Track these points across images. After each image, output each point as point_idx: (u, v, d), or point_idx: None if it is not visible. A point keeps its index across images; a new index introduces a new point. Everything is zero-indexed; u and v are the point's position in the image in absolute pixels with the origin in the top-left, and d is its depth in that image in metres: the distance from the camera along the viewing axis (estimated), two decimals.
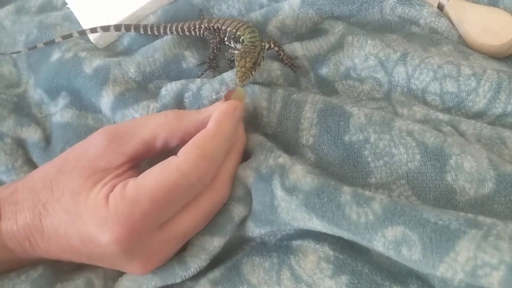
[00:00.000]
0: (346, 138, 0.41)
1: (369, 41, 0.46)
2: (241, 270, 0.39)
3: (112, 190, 0.35)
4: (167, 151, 0.40)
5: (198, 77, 0.49)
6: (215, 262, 0.40)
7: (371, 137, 0.40)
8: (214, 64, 0.49)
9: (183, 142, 0.38)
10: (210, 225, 0.40)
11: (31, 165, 0.48)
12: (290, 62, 0.47)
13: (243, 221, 0.40)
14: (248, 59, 0.41)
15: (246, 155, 0.43)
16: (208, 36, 0.49)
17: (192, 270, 0.39)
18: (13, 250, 0.37)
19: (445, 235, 0.32)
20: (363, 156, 0.40)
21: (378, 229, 0.34)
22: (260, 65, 0.43)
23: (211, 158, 0.37)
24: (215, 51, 0.49)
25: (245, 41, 0.44)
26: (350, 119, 0.41)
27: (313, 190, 0.36)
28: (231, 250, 0.41)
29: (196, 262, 0.39)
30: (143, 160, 0.40)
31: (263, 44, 0.45)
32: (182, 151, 0.36)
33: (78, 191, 0.35)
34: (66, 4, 0.56)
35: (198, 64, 0.50)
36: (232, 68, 0.47)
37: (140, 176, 0.36)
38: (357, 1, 0.49)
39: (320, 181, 0.37)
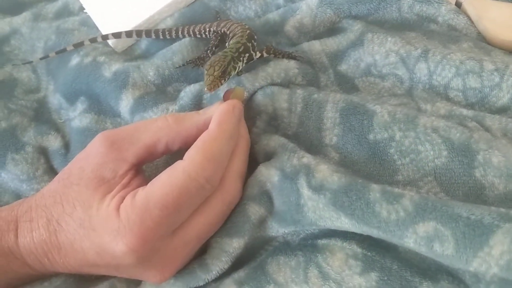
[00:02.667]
0: (371, 136, 0.40)
1: (389, 38, 0.46)
2: (266, 269, 0.39)
3: (122, 201, 0.35)
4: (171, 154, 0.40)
5: (176, 67, 0.49)
6: (238, 263, 0.40)
7: (396, 135, 0.40)
8: (199, 62, 0.49)
9: (185, 145, 0.39)
10: (228, 226, 0.40)
11: (52, 173, 0.48)
12: (290, 56, 0.47)
13: (263, 222, 0.40)
14: (216, 68, 0.41)
15: (268, 156, 0.42)
16: (213, 37, 0.49)
17: (214, 272, 0.39)
18: (33, 266, 0.38)
19: (478, 229, 0.32)
20: (388, 154, 0.40)
21: (409, 225, 0.33)
22: (230, 75, 0.42)
23: (216, 158, 0.37)
24: (208, 52, 0.49)
25: (225, 49, 0.44)
26: (374, 117, 0.41)
27: (341, 189, 0.36)
28: (253, 251, 0.41)
29: (217, 264, 0.39)
30: (145, 164, 0.40)
31: (247, 54, 0.44)
32: (187, 155, 0.36)
33: (89, 204, 0.36)
34: (83, 9, 0.56)
35: (185, 62, 0.50)
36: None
37: (149, 184, 0.36)
38: None
39: (348, 179, 0.37)
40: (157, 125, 0.38)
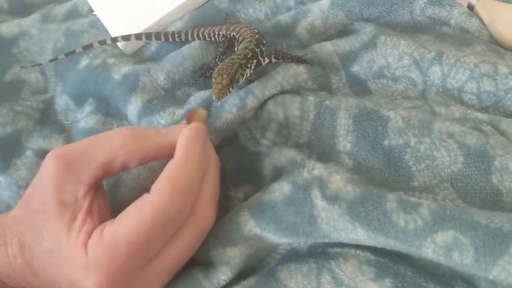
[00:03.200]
0: (385, 143, 0.40)
1: (402, 41, 0.46)
2: (277, 276, 0.38)
3: (89, 237, 0.34)
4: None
5: (191, 85, 0.49)
6: (248, 271, 0.40)
7: (411, 141, 0.39)
8: (209, 73, 0.48)
9: (141, 163, 0.38)
10: (222, 235, 0.39)
11: None
12: (300, 60, 0.46)
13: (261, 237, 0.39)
14: (224, 76, 0.40)
15: (277, 171, 0.42)
16: (221, 44, 0.49)
17: (215, 282, 0.38)
18: (12, 286, 0.37)
19: (498, 237, 0.32)
20: (404, 160, 0.39)
21: (427, 234, 0.33)
22: (238, 82, 0.42)
23: (186, 187, 0.35)
24: (217, 60, 0.48)
25: (233, 55, 0.43)
26: (388, 123, 0.40)
27: (357, 199, 0.36)
28: (259, 259, 0.40)
29: (218, 275, 0.38)
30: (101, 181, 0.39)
31: (255, 60, 0.44)
32: (155, 188, 0.35)
33: (56, 234, 0.35)
34: (93, 11, 0.56)
35: (194, 70, 0.50)
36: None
37: (117, 219, 0.34)
38: (387, 2, 0.49)
39: (363, 189, 0.36)
40: (113, 142, 0.36)
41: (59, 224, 0.35)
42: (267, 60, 0.45)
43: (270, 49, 0.47)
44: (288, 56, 0.46)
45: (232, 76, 0.41)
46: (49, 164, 0.36)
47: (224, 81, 0.40)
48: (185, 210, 0.36)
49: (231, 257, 0.38)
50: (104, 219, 0.36)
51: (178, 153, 0.36)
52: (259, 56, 0.45)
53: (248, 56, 0.43)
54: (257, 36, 0.45)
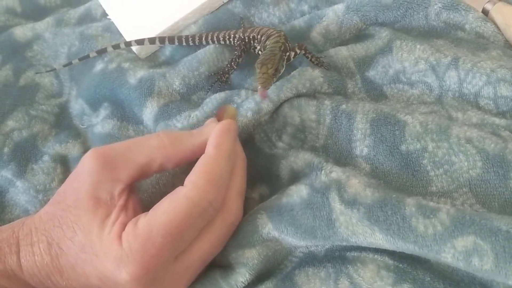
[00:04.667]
0: (403, 147, 0.40)
1: (418, 46, 0.46)
2: (295, 280, 0.38)
3: (123, 229, 0.35)
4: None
5: (207, 91, 0.49)
6: (265, 275, 0.40)
7: (428, 146, 0.39)
8: (225, 78, 0.49)
9: (178, 165, 0.39)
10: (240, 238, 0.39)
11: None
12: (318, 61, 0.46)
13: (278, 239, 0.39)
14: (269, 65, 0.41)
15: (293, 174, 0.42)
16: (237, 47, 0.49)
17: (233, 284, 0.38)
18: (35, 287, 0.37)
19: None
20: (421, 165, 0.39)
21: (447, 240, 0.33)
22: (280, 73, 0.43)
23: (218, 180, 0.36)
24: (233, 64, 0.48)
25: (265, 49, 0.44)
26: (405, 128, 0.40)
27: (376, 203, 0.36)
28: (276, 262, 0.40)
29: (236, 277, 0.38)
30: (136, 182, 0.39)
31: (287, 53, 0.45)
32: (188, 180, 0.36)
33: (89, 228, 0.35)
34: (106, 15, 0.56)
35: (210, 75, 0.50)
36: None
37: (151, 211, 0.35)
38: (402, 7, 0.49)
39: (381, 193, 0.36)
40: (151, 145, 0.38)
41: (92, 219, 0.35)
42: (293, 53, 0.46)
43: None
44: (309, 52, 0.46)
45: (276, 66, 0.41)
46: (87, 161, 0.37)
47: (269, 71, 0.41)
48: (217, 202, 0.37)
49: (249, 258, 0.38)
50: (137, 215, 0.36)
51: (210, 148, 0.37)
52: (289, 50, 0.45)
53: (282, 49, 0.44)
54: (282, 32, 0.46)
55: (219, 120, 0.41)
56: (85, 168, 0.37)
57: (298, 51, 0.46)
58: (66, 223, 0.36)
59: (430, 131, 0.39)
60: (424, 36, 0.49)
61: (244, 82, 0.50)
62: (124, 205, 0.36)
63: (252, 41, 0.48)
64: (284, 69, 0.44)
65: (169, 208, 0.35)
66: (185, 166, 0.41)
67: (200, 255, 0.37)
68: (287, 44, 0.45)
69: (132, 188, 0.39)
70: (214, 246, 0.38)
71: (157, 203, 0.36)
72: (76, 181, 0.37)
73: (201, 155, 0.38)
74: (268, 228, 0.38)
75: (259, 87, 0.40)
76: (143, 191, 0.43)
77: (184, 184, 0.36)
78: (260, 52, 0.48)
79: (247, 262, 0.38)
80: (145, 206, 0.39)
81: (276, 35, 0.46)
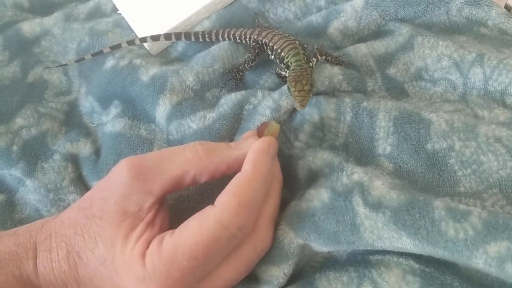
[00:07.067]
0: (429, 146, 0.39)
1: (440, 42, 0.44)
2: (316, 285, 0.37)
3: (147, 246, 0.33)
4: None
5: (221, 89, 0.48)
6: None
7: (455, 145, 0.38)
8: (239, 76, 0.48)
9: (212, 178, 0.37)
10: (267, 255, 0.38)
11: (79, 182, 0.47)
12: (337, 61, 0.45)
13: (303, 246, 0.38)
14: (304, 82, 0.40)
15: (311, 174, 0.41)
16: (251, 49, 0.47)
17: None
18: None
19: None
20: (448, 164, 0.38)
21: (479, 245, 0.31)
22: (315, 87, 0.42)
23: (250, 204, 0.34)
24: (246, 65, 0.47)
25: (292, 66, 0.43)
26: (431, 126, 0.39)
27: (402, 206, 0.34)
28: (297, 268, 0.39)
29: None
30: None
31: (311, 63, 0.43)
32: (220, 201, 0.34)
33: (112, 242, 0.34)
34: (116, 10, 0.55)
35: (224, 72, 0.49)
36: (284, 82, 0.46)
37: (177, 230, 0.34)
38: (422, 2, 0.47)
39: (407, 196, 0.35)
40: (185, 156, 0.36)
41: (116, 233, 0.34)
42: (314, 60, 0.44)
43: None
44: (329, 54, 0.45)
45: (311, 82, 0.40)
46: (121, 171, 0.35)
47: (305, 87, 0.39)
48: (247, 228, 0.35)
49: (274, 277, 0.37)
50: (164, 231, 0.35)
51: (247, 167, 0.35)
52: (310, 59, 0.44)
53: (306, 61, 0.43)
54: (297, 42, 0.44)
55: (259, 135, 0.39)
56: (117, 178, 0.35)
57: (319, 57, 0.45)
58: (89, 233, 0.34)
59: (457, 129, 0.38)
60: (445, 33, 0.47)
61: (259, 79, 0.48)
62: (151, 220, 0.35)
63: (265, 46, 0.47)
64: (315, 82, 0.43)
65: (197, 230, 0.33)
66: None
67: (224, 280, 0.35)
68: (306, 53, 0.44)
69: (162, 201, 0.37)
70: (240, 272, 0.36)
71: (185, 222, 0.34)
72: (106, 190, 0.36)
73: (236, 170, 0.36)
74: (290, 237, 0.37)
75: (297, 105, 0.39)
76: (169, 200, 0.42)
77: (214, 204, 0.34)
78: (273, 59, 0.47)
79: (272, 280, 0.37)
80: (170, 219, 0.37)
81: (291, 46, 0.44)
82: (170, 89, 0.47)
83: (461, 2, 0.47)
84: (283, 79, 0.46)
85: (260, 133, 0.40)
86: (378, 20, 0.48)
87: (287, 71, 0.43)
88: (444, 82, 0.44)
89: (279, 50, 0.45)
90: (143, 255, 0.33)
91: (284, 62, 0.44)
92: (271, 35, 0.46)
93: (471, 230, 0.32)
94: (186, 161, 0.36)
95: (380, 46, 0.46)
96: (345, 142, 0.42)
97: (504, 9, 0.48)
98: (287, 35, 0.46)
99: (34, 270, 0.35)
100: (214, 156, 0.36)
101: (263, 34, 0.47)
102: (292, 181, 0.42)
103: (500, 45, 0.45)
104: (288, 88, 0.40)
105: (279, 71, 0.45)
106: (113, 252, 0.33)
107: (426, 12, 0.48)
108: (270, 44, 0.46)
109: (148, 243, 0.33)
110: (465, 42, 0.45)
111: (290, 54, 0.43)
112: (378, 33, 0.48)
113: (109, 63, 0.50)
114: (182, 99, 0.47)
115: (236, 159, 0.37)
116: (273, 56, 0.46)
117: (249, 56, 0.47)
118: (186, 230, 0.33)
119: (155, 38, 0.49)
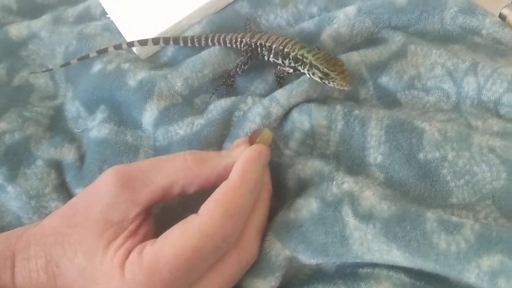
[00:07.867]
0: (421, 156, 0.38)
1: (434, 51, 0.43)
2: None
3: (128, 256, 0.32)
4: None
5: (211, 95, 0.47)
6: None
7: (448, 155, 0.37)
8: (230, 81, 0.47)
9: (202, 188, 0.35)
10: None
11: (62, 189, 0.45)
12: None
13: (290, 259, 0.37)
14: (340, 63, 0.40)
15: (301, 183, 0.39)
16: (243, 53, 0.47)
17: None
18: None
19: None
20: (441, 175, 0.37)
21: (472, 258, 0.31)
22: None
23: (237, 214, 0.33)
24: (238, 70, 0.46)
25: (304, 56, 0.42)
26: (423, 135, 0.38)
27: (393, 218, 0.33)
28: (285, 282, 0.38)
29: None
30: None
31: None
32: (205, 209, 0.33)
33: (92, 252, 0.32)
34: (106, 14, 0.54)
35: (214, 78, 0.47)
36: (281, 85, 0.45)
37: (159, 239, 0.32)
38: (416, 10, 0.47)
39: (399, 207, 0.34)
40: (174, 166, 0.35)
41: (97, 242, 0.32)
42: None
43: None
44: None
45: (342, 62, 0.41)
46: (108, 179, 0.34)
47: (344, 66, 0.40)
48: (233, 238, 0.33)
49: None
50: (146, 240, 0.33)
51: (234, 174, 0.34)
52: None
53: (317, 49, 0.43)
54: (297, 39, 0.45)
55: (251, 143, 0.38)
56: (104, 186, 0.34)
57: None
58: (69, 241, 0.33)
59: (450, 139, 0.37)
60: (439, 41, 0.46)
61: (250, 85, 0.47)
62: (134, 230, 0.33)
63: (260, 48, 0.46)
64: None
65: (180, 239, 0.31)
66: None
67: None
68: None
69: (148, 212, 0.36)
70: (225, 285, 0.35)
71: (167, 231, 0.33)
72: (90, 199, 0.34)
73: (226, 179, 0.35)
74: (277, 248, 0.36)
75: (345, 86, 0.39)
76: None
77: (199, 212, 0.33)
78: (274, 60, 0.46)
79: None
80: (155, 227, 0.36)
81: (294, 41, 0.44)
82: (158, 94, 0.46)
83: (455, 11, 0.46)
84: (281, 80, 0.45)
85: (252, 141, 0.39)
86: (371, 28, 0.47)
87: (290, 68, 0.44)
88: (437, 91, 0.43)
89: (281, 47, 0.44)
90: (123, 265, 0.31)
91: (290, 56, 0.43)
92: (266, 36, 0.46)
93: (463, 243, 0.31)
94: (175, 171, 0.34)
95: (372, 54, 0.45)
96: (336, 150, 0.41)
97: (498, 18, 0.47)
98: (282, 35, 0.46)
99: (11, 281, 0.34)
100: (204, 165, 0.35)
101: (257, 36, 0.46)
102: (281, 190, 0.41)
103: (494, 54, 0.44)
104: (321, 78, 0.40)
105: (282, 69, 0.45)
106: (93, 262, 0.32)
107: (420, 20, 0.47)
108: (267, 44, 0.45)
109: (129, 252, 0.32)
110: (459, 51, 0.44)
111: (296, 48, 0.43)
112: (371, 41, 0.48)
113: (97, 67, 0.49)
114: (170, 104, 0.45)
115: (226, 167, 0.35)
116: (271, 56, 0.46)
117: (241, 59, 0.46)
118: (168, 239, 0.32)
119: (143, 42, 0.48)
